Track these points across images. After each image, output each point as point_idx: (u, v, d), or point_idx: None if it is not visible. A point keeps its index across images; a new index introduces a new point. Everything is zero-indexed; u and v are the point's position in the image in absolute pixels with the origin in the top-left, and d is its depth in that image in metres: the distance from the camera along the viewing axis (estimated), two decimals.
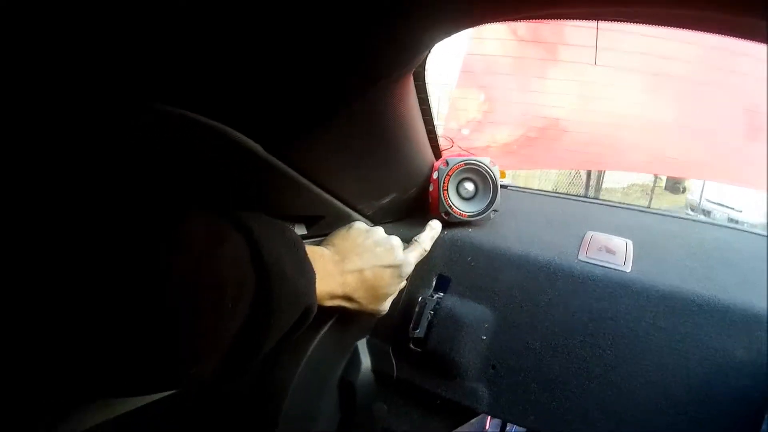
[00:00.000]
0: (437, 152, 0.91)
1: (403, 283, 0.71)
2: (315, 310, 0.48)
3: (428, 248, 0.74)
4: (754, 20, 0.38)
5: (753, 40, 0.44)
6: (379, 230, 0.66)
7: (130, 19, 0.32)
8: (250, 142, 0.50)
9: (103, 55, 0.34)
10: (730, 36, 0.46)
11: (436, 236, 0.77)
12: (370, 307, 0.62)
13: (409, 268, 0.66)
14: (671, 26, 0.48)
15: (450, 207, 0.82)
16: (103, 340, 0.32)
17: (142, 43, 0.35)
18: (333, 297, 0.57)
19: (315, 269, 0.49)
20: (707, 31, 0.47)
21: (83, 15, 0.30)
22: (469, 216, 0.84)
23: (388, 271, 0.62)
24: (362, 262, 0.60)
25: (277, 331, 0.43)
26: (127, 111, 0.38)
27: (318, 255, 0.56)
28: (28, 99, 0.32)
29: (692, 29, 0.48)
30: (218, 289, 0.37)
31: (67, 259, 0.30)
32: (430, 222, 0.78)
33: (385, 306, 0.66)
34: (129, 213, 0.34)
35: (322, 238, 0.71)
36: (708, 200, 6.59)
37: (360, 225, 0.66)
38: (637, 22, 0.50)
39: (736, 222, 5.53)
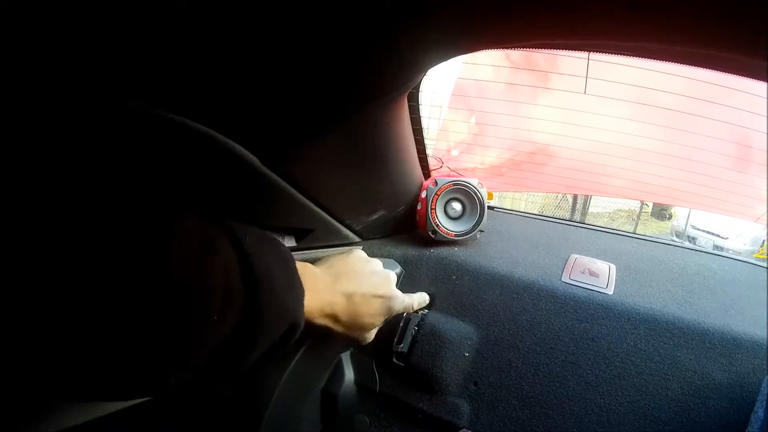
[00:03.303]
0: (427, 172, 0.92)
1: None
2: (301, 326, 0.48)
3: (413, 308, 0.73)
4: (755, 60, 0.39)
5: (753, 77, 0.46)
6: (378, 262, 0.66)
7: (140, 31, 0.33)
8: (248, 154, 0.51)
9: (109, 64, 0.35)
10: (731, 73, 0.47)
11: (423, 304, 0.76)
12: (353, 333, 0.61)
13: (398, 305, 0.65)
14: (672, 62, 0.50)
15: (437, 226, 0.84)
16: (87, 341, 0.32)
17: (151, 54, 0.36)
18: (322, 315, 0.56)
19: (305, 286, 0.49)
20: (708, 68, 0.48)
21: (88, 22, 0.31)
22: (455, 235, 0.85)
23: (378, 301, 0.62)
24: (354, 286, 0.60)
25: (262, 345, 0.43)
26: (131, 117, 0.39)
27: (310, 272, 0.56)
28: (30, 101, 0.33)
29: (692, 65, 0.49)
30: (206, 298, 0.37)
31: (56, 259, 0.30)
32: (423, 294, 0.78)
33: (369, 336, 0.65)
34: (124, 216, 0.34)
35: (313, 250, 0.72)
36: (693, 227, 6.63)
37: (360, 252, 0.66)
38: (634, 56, 0.51)
39: (721, 249, 5.58)
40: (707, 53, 0.42)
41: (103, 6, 0.32)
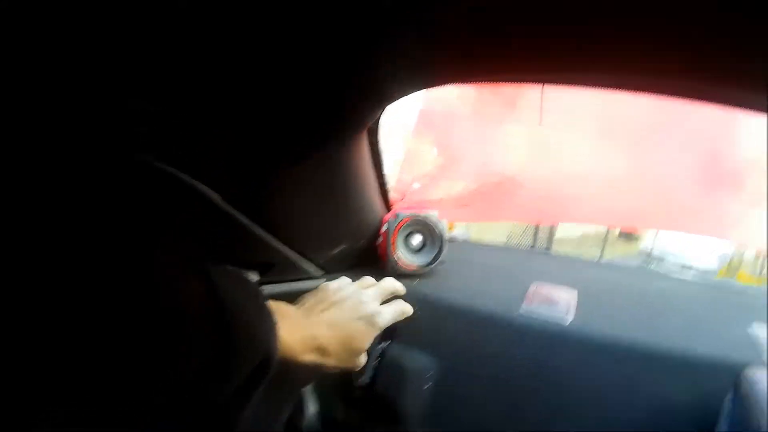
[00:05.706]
0: (388, 205, 0.94)
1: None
2: (275, 359, 0.47)
3: (408, 313, 0.70)
4: (753, 94, 0.39)
5: (752, 110, 0.45)
6: (350, 286, 0.66)
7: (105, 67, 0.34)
8: (209, 191, 0.52)
9: (73, 104, 0.36)
10: (728, 107, 0.46)
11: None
12: (348, 362, 0.61)
13: (382, 320, 0.64)
14: (660, 95, 0.48)
15: (397, 259, 0.85)
16: (57, 373, 0.32)
17: (111, 93, 0.37)
18: (306, 349, 0.54)
19: (282, 324, 0.49)
20: (704, 102, 0.47)
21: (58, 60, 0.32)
22: (416, 268, 0.87)
23: (360, 323, 0.61)
24: (329, 316, 0.59)
25: (236, 376, 0.43)
26: (94, 158, 0.40)
27: (284, 309, 0.56)
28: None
29: (684, 99, 0.48)
30: (177, 331, 0.37)
31: (26, 290, 0.31)
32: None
33: (361, 361, 0.64)
34: (90, 253, 0.35)
35: (277, 284, 0.73)
36: (661, 248, 6.73)
37: (330, 284, 0.65)
38: (620, 90, 0.50)
39: (690, 268, 5.65)
40: (701, 87, 0.43)
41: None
